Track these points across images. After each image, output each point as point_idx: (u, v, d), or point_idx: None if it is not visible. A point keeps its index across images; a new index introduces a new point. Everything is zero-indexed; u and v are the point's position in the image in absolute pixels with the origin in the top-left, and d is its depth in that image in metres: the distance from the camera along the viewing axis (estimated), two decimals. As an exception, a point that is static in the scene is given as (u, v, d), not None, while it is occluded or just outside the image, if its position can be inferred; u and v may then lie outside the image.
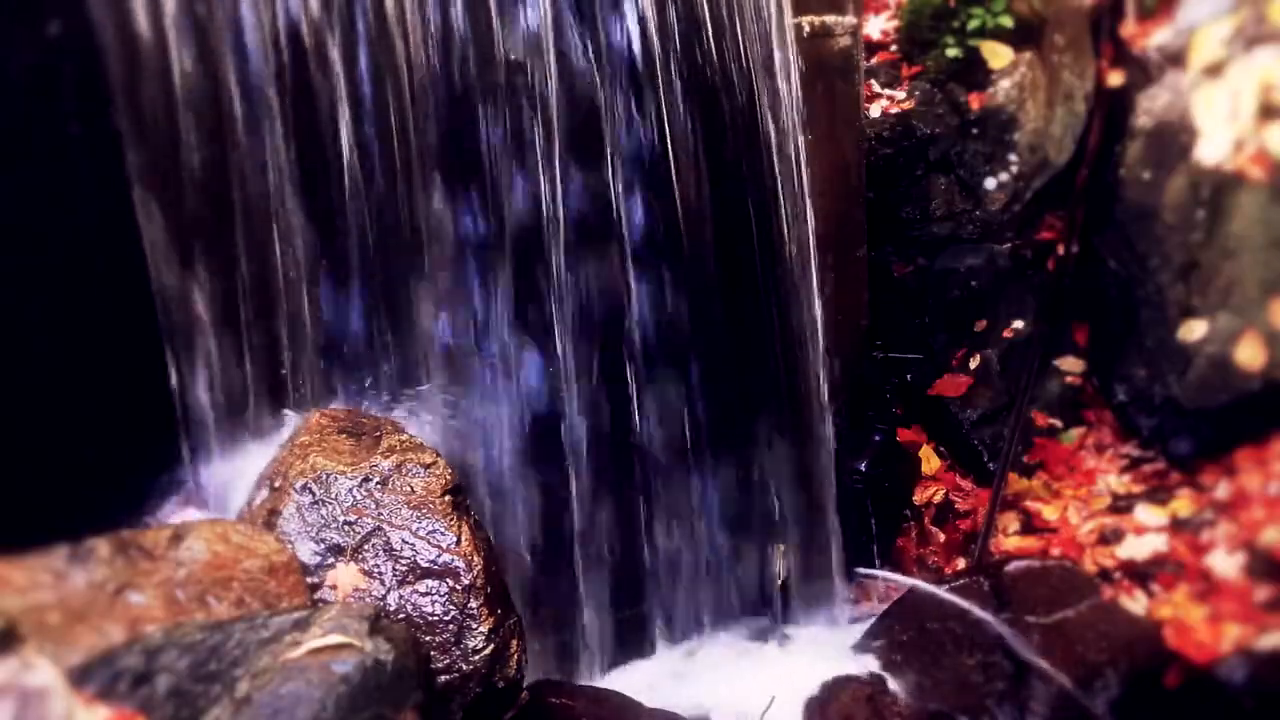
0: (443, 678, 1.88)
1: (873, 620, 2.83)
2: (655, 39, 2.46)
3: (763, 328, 2.82)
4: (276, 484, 2.05)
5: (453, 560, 1.97)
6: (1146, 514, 3.00)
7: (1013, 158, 3.36)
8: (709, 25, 2.54)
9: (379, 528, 1.98)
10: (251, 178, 2.13)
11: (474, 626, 1.93)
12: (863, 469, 3.18)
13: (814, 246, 2.83)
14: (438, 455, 2.11)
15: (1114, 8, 3.49)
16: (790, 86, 2.73)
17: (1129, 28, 3.46)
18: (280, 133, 2.14)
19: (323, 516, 1.99)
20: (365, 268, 2.29)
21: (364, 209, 2.25)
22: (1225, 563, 2.80)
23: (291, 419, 2.22)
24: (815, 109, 2.85)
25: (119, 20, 1.96)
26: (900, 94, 3.40)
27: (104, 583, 1.72)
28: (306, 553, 1.95)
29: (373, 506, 2.01)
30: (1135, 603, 2.80)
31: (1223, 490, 2.96)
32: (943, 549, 3.21)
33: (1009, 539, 3.10)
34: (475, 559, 1.98)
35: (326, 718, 1.45)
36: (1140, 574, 2.86)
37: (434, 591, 1.94)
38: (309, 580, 1.92)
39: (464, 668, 1.90)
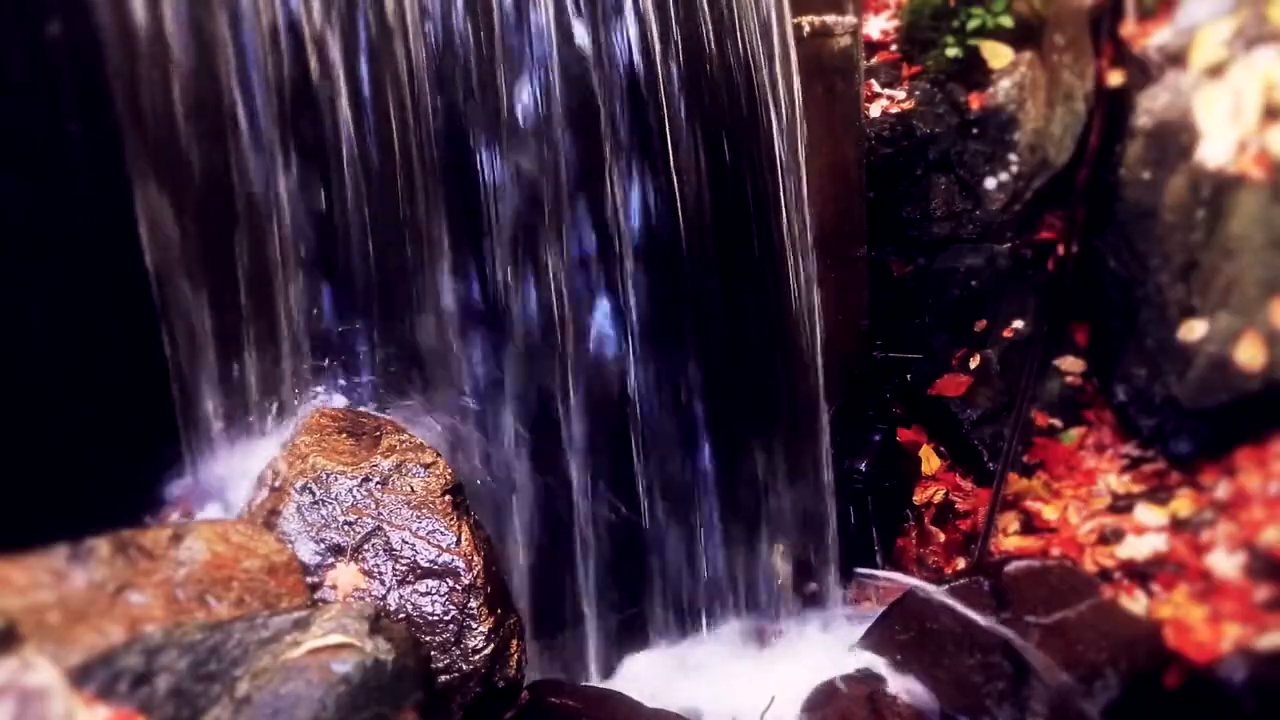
0: (443, 677, 1.88)
1: (873, 620, 2.82)
2: (655, 39, 2.46)
3: (763, 327, 2.82)
4: (276, 484, 2.05)
5: (453, 560, 1.97)
6: (1146, 514, 3.00)
7: (1013, 157, 3.36)
8: (709, 25, 2.54)
9: (379, 528, 1.98)
10: (252, 177, 2.13)
11: (474, 626, 1.93)
12: (863, 469, 3.18)
13: (814, 246, 2.83)
14: (438, 455, 2.11)
15: (1114, 8, 3.50)
16: (790, 86, 2.73)
17: (1129, 28, 3.46)
18: (280, 132, 2.14)
19: (323, 516, 1.99)
20: (366, 267, 2.29)
21: (364, 208, 2.25)
22: (1225, 563, 2.80)
23: (291, 419, 2.22)
24: (815, 109, 2.85)
25: (119, 20, 1.96)
26: (900, 94, 3.40)
27: (104, 582, 1.72)
28: (306, 552, 1.95)
29: (373, 506, 2.01)
30: (1135, 603, 2.80)
31: (1223, 490, 2.96)
32: (943, 549, 3.21)
33: (1009, 539, 3.10)
34: (475, 559, 1.98)
35: (326, 717, 1.45)
36: (1140, 574, 2.87)
37: (434, 591, 1.94)
38: (309, 580, 1.92)
39: (464, 667, 1.90)
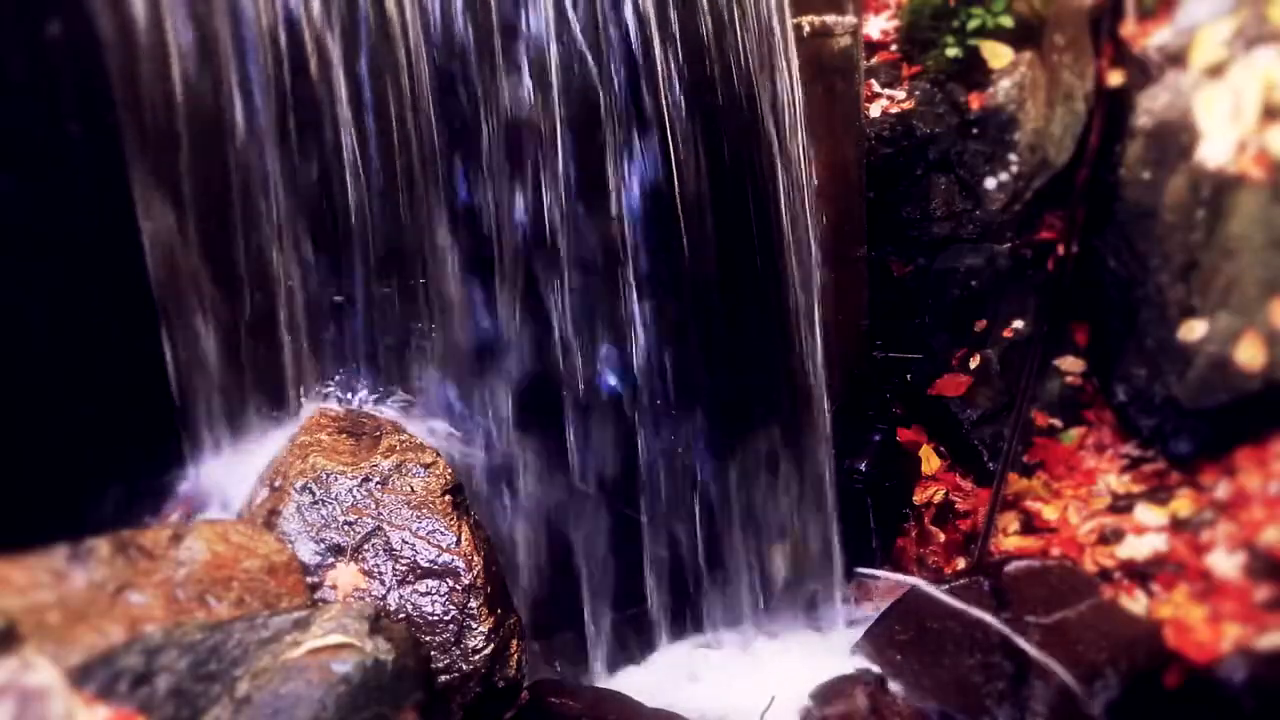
0: (443, 677, 1.88)
1: (873, 620, 2.82)
2: (656, 39, 2.46)
3: (763, 327, 2.82)
4: (276, 484, 2.05)
5: (453, 560, 1.97)
6: (1146, 514, 3.00)
7: (1013, 157, 3.36)
8: (709, 25, 2.54)
9: (379, 528, 1.98)
10: (252, 178, 2.13)
11: (474, 626, 1.93)
12: (863, 469, 3.18)
13: (814, 246, 2.84)
14: (437, 455, 2.11)
15: (1114, 8, 3.50)
16: (790, 86, 2.73)
17: (1129, 28, 3.46)
18: (280, 133, 2.14)
19: (323, 516, 1.99)
20: (365, 267, 2.29)
21: (364, 208, 2.25)
22: (1225, 562, 2.80)
23: (292, 419, 2.22)
24: (815, 109, 2.86)
25: (119, 20, 1.96)
26: (900, 94, 3.40)
27: (104, 582, 1.72)
28: (306, 552, 1.95)
29: (373, 506, 2.01)
30: (1135, 603, 2.80)
31: (1223, 490, 2.96)
32: (943, 549, 3.21)
33: (1009, 539, 3.09)
34: (475, 559, 1.98)
35: (327, 717, 1.45)
36: (1140, 574, 2.87)
37: (434, 591, 1.94)
38: (309, 580, 1.92)
39: (464, 667, 1.90)
